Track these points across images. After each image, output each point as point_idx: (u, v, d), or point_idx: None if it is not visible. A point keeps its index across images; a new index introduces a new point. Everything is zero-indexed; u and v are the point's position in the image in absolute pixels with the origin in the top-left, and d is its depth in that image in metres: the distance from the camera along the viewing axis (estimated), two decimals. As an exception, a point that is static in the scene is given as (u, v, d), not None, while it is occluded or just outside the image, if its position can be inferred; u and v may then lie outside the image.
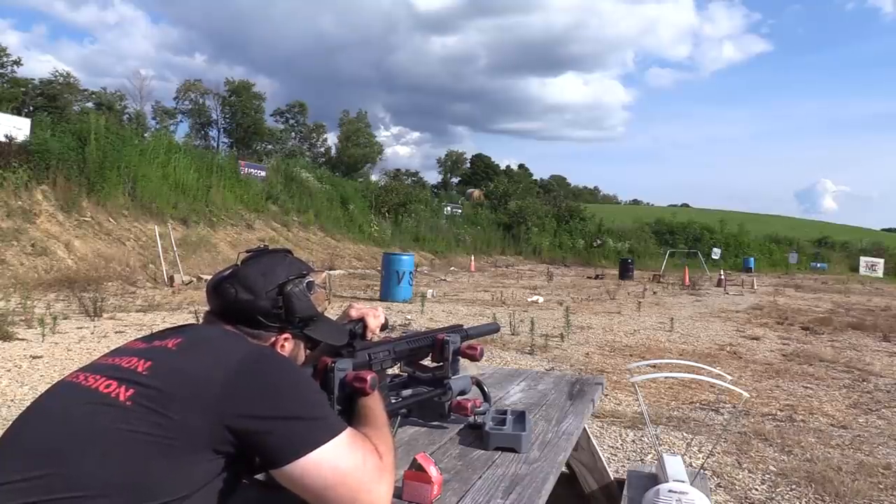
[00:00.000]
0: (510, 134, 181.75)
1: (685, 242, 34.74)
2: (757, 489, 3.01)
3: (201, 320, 1.16)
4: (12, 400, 3.96)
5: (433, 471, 1.06)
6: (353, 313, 1.30)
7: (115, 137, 15.18)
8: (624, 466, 3.12)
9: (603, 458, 2.27)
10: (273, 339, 1.07)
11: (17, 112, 23.56)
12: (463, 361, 1.56)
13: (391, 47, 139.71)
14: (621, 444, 3.61)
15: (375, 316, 1.30)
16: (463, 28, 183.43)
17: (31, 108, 32.93)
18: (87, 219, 13.24)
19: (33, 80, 38.66)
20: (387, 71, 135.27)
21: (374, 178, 46.10)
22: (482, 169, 71.84)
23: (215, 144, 47.24)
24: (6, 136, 13.06)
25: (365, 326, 1.28)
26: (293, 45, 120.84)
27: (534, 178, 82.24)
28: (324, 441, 0.88)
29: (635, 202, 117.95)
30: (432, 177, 77.05)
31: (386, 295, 11.03)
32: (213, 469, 0.86)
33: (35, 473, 0.78)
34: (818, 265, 36.53)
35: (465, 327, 1.61)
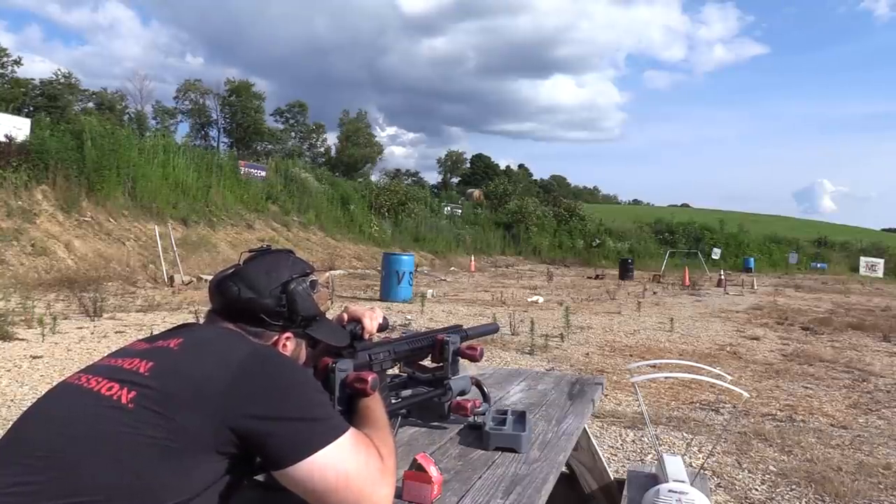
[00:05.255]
0: (505, 135, 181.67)
1: (685, 242, 34.73)
2: (757, 489, 3.01)
3: (202, 319, 1.16)
4: (12, 400, 3.96)
5: (433, 471, 1.06)
6: (350, 314, 1.29)
7: (111, 137, 15.18)
8: (624, 466, 3.12)
9: (603, 458, 2.27)
10: (275, 338, 1.07)
11: (18, 112, 23.55)
12: (463, 362, 1.56)
13: (381, 49, 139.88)
14: (621, 444, 3.62)
15: (372, 317, 1.28)
16: (450, 30, 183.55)
17: (32, 109, 32.92)
18: (87, 219, 13.24)
19: (33, 80, 38.65)
20: (378, 72, 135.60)
21: (373, 178, 46.11)
22: (482, 169, 71.81)
23: (215, 144, 47.27)
24: (6, 136, 13.06)
25: (362, 328, 1.27)
26: (285, 47, 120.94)
27: (534, 178, 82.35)
28: (327, 442, 0.88)
29: (635, 202, 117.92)
30: (432, 177, 77.13)
31: (386, 295, 11.03)
32: (216, 471, 0.86)
33: (37, 477, 0.78)
34: (818, 265, 36.51)
35: (464, 328, 1.61)
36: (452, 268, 21.73)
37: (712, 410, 4.40)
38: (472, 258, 22.87)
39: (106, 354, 1.02)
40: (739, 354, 6.81)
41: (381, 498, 0.90)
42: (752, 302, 13.79)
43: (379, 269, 13.49)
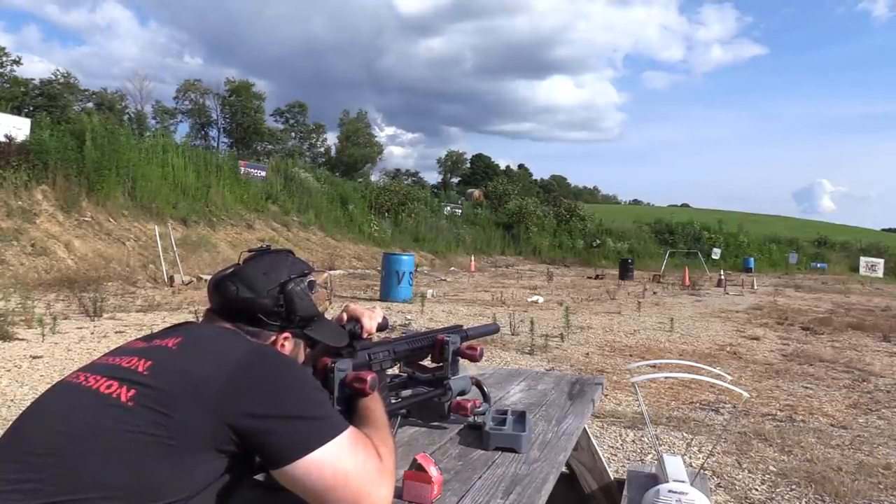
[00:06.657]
0: (504, 135, 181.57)
1: (685, 242, 34.72)
2: (757, 489, 3.01)
3: (201, 319, 1.16)
4: (12, 400, 3.96)
5: (433, 471, 1.05)
6: (350, 314, 1.28)
7: (111, 137, 15.18)
8: (624, 466, 3.12)
9: (603, 458, 2.26)
10: (273, 338, 1.07)
11: (17, 112, 23.58)
12: (463, 362, 1.56)
13: (379, 49, 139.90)
14: (621, 444, 3.61)
15: (371, 317, 1.27)
16: (447, 30, 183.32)
17: (32, 108, 32.94)
18: (87, 219, 13.24)
19: (33, 80, 38.67)
20: (376, 73, 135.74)
21: (373, 178, 46.13)
22: (482, 169, 71.89)
23: (215, 144, 47.28)
24: (6, 136, 13.07)
25: (361, 327, 1.26)
26: (284, 47, 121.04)
27: (534, 178, 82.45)
28: (325, 441, 0.87)
29: (635, 202, 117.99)
30: (432, 177, 77.23)
31: (386, 295, 11.03)
32: (215, 469, 0.86)
33: (36, 475, 0.78)
34: (818, 265, 36.51)
35: (464, 328, 1.60)
36: (452, 268, 21.73)
37: (712, 410, 4.40)
38: (472, 258, 22.87)
39: (104, 353, 1.02)
40: (739, 354, 6.81)
41: (380, 498, 0.90)
42: (752, 302, 13.79)
43: (379, 269, 13.49)
